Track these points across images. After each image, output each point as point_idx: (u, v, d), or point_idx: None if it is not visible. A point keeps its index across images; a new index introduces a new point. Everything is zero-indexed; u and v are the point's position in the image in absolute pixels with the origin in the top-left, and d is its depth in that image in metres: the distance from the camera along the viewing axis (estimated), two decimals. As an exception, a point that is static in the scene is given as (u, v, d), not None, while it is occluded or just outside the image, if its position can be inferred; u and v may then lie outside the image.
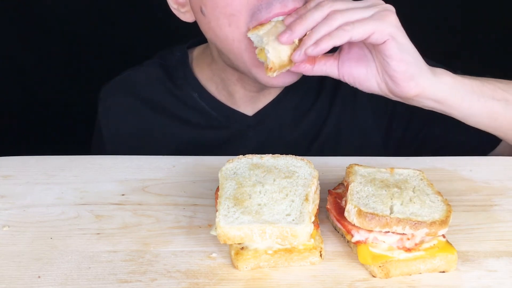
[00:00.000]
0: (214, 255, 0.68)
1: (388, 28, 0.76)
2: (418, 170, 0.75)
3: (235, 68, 0.95)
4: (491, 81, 0.88)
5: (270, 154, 0.77)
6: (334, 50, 0.82)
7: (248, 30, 0.84)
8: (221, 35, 0.89)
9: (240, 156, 0.77)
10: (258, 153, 0.77)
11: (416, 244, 0.65)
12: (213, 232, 0.67)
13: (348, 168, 0.75)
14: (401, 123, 1.08)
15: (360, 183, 0.71)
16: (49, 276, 0.64)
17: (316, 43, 0.76)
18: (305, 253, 0.65)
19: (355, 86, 0.86)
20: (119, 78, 1.15)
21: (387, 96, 0.86)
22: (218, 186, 0.72)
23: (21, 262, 0.67)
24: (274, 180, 0.71)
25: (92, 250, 0.69)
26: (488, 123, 0.88)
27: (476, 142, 1.00)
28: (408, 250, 0.65)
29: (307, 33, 0.78)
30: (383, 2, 0.80)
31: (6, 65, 1.77)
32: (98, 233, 0.72)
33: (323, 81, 1.09)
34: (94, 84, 1.18)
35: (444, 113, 0.87)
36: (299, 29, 0.78)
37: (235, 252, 0.65)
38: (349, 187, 0.70)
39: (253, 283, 0.63)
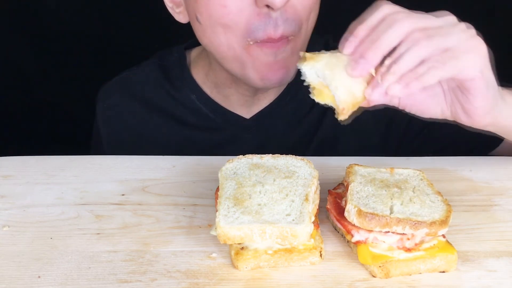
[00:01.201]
0: (214, 255, 0.68)
1: (480, 63, 0.66)
2: (418, 170, 0.75)
3: (230, 72, 0.95)
4: None
5: (270, 154, 0.77)
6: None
7: (247, 41, 0.83)
8: (216, 42, 0.89)
9: (240, 156, 0.77)
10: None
11: (416, 244, 0.65)
12: (213, 232, 0.67)
13: (348, 168, 0.75)
14: (401, 125, 1.07)
15: (360, 183, 0.71)
16: (49, 276, 0.64)
17: (407, 84, 0.64)
18: (305, 253, 0.65)
19: (413, 114, 0.76)
20: (117, 79, 1.15)
21: (444, 120, 0.77)
22: (218, 186, 0.72)
23: (21, 262, 0.67)
24: (274, 180, 0.71)
25: (92, 250, 0.69)
26: None
27: (476, 142, 1.00)
28: (408, 250, 0.65)
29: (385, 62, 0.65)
30: (455, 18, 0.69)
31: (6, 65, 1.77)
32: (98, 233, 0.72)
33: None
34: (94, 84, 1.18)
35: (502, 137, 0.82)
36: (374, 56, 0.64)
37: (235, 252, 0.65)
38: (349, 187, 0.70)
39: (253, 283, 0.63)
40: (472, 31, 0.68)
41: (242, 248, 0.65)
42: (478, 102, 0.70)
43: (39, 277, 0.64)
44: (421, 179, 0.73)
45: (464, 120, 0.74)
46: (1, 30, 1.74)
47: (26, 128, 1.88)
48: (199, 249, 0.69)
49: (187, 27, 0.96)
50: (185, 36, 1.06)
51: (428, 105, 0.75)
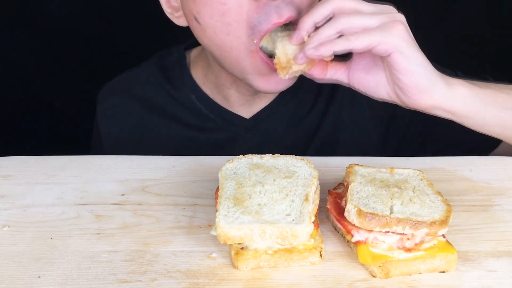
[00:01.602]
0: (214, 255, 0.68)
1: (394, 41, 0.73)
2: (418, 170, 0.75)
3: (230, 73, 0.95)
4: (504, 88, 0.87)
5: (270, 154, 0.77)
6: (342, 57, 0.81)
7: (251, 41, 0.84)
8: (217, 43, 0.88)
9: (240, 156, 0.77)
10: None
11: (416, 244, 0.65)
12: (213, 232, 0.67)
13: (348, 168, 0.75)
14: (401, 125, 1.07)
15: (360, 183, 0.71)
16: (49, 276, 0.64)
17: (317, 47, 0.75)
18: (305, 253, 0.65)
19: (365, 94, 0.84)
20: (116, 80, 1.15)
21: (398, 104, 0.83)
22: (218, 186, 0.72)
23: (21, 262, 0.67)
24: (274, 180, 0.71)
25: (92, 250, 0.69)
26: (500, 132, 0.87)
27: (476, 142, 1.00)
28: (408, 250, 0.65)
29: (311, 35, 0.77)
30: (394, 9, 0.78)
31: (6, 65, 1.77)
32: (98, 233, 0.72)
33: (321, 84, 1.09)
34: (95, 84, 1.18)
35: (456, 122, 0.85)
36: (305, 25, 0.77)
37: (235, 252, 0.65)
38: (349, 187, 0.70)
39: (253, 283, 0.63)
40: (397, 16, 0.76)
41: (242, 248, 0.65)
42: (405, 78, 0.76)
43: (39, 277, 0.64)
44: (421, 179, 0.73)
45: (405, 100, 0.80)
46: (1, 30, 1.74)
47: (26, 128, 1.88)
48: (199, 249, 0.69)
49: (186, 28, 0.96)
50: (185, 36, 1.07)
51: (373, 86, 0.82)
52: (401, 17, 0.77)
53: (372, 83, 0.82)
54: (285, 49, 0.79)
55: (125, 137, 1.10)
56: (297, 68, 0.79)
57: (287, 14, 0.83)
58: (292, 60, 0.79)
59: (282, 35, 0.81)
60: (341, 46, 0.74)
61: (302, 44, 0.77)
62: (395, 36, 0.74)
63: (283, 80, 0.87)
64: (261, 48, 0.85)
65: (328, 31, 0.75)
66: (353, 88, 0.84)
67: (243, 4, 0.82)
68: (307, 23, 0.77)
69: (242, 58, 0.87)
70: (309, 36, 0.77)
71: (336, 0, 0.76)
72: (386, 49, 0.74)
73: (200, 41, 0.93)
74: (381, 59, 0.80)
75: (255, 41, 0.84)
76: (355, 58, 0.82)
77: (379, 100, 0.84)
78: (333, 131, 1.07)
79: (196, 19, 0.88)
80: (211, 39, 0.89)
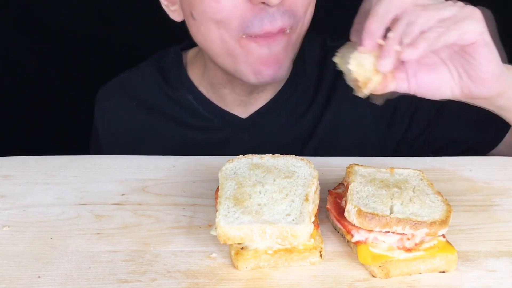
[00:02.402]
0: (214, 255, 0.68)
1: (479, 28, 0.69)
2: (418, 170, 0.75)
3: (224, 70, 0.95)
4: None
5: (270, 154, 0.77)
6: None
7: (241, 36, 0.85)
8: (209, 38, 0.89)
9: (240, 156, 0.77)
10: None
11: (416, 244, 0.65)
12: (213, 232, 0.67)
13: (348, 168, 0.75)
14: (401, 125, 1.07)
15: (360, 183, 0.71)
16: (49, 276, 0.64)
17: (415, 45, 0.67)
18: (305, 253, 0.65)
19: (425, 97, 0.78)
20: (114, 81, 1.16)
21: (457, 99, 0.79)
22: (218, 186, 0.72)
23: (21, 262, 0.67)
24: (274, 180, 0.71)
25: (92, 250, 0.69)
26: None
27: (476, 141, 1.00)
28: (408, 250, 0.65)
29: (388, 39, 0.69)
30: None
31: (6, 65, 1.77)
32: (98, 233, 0.72)
33: (319, 82, 1.09)
34: (94, 84, 1.18)
35: (500, 115, 0.84)
36: (375, 30, 0.69)
37: (235, 252, 0.65)
38: (349, 187, 0.70)
39: (253, 283, 0.63)
40: (463, 3, 0.71)
41: (242, 248, 0.65)
42: (484, 66, 0.72)
43: (39, 277, 0.64)
44: (421, 179, 0.73)
45: (475, 91, 0.75)
46: (1, 30, 1.74)
47: (26, 128, 1.88)
48: (199, 249, 0.69)
49: (184, 28, 0.97)
50: (181, 37, 1.07)
51: (437, 85, 0.76)
52: (466, 4, 0.72)
53: (435, 83, 0.77)
54: (359, 61, 0.71)
55: (123, 137, 1.10)
56: (376, 80, 0.72)
57: (280, 24, 0.84)
58: (373, 70, 0.71)
59: (352, 50, 0.73)
60: (437, 42, 0.68)
61: (375, 51, 0.71)
62: (478, 23, 0.70)
63: (274, 71, 0.88)
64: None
65: (417, 27, 0.68)
66: (413, 94, 0.78)
67: (238, 5, 0.83)
68: (376, 27, 0.69)
69: (232, 48, 0.88)
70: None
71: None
72: (473, 37, 0.69)
73: (194, 38, 0.94)
74: (448, 53, 0.75)
75: (244, 37, 0.85)
76: (412, 63, 0.76)
77: (438, 99, 0.79)
78: (331, 130, 1.07)
79: (192, 15, 0.88)
80: (203, 36, 0.90)
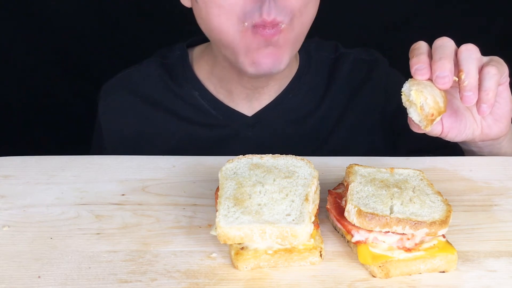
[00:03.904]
0: (214, 255, 0.68)
1: (506, 69, 0.77)
2: (418, 170, 0.75)
3: (229, 61, 0.96)
4: None
5: (270, 154, 0.77)
6: None
7: (242, 23, 0.86)
8: (212, 25, 0.90)
9: (240, 156, 0.77)
10: (257, 153, 0.77)
11: (416, 244, 0.65)
12: (213, 232, 0.67)
13: (348, 168, 0.75)
14: (401, 125, 1.07)
15: (360, 183, 0.71)
16: (49, 276, 0.64)
17: (490, 102, 0.74)
18: (305, 253, 0.65)
19: (449, 140, 0.84)
20: (119, 76, 1.15)
21: (473, 142, 0.86)
22: (218, 186, 0.72)
23: (21, 262, 0.67)
24: (274, 180, 0.71)
25: (92, 250, 0.69)
26: None
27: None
28: (408, 250, 0.65)
29: (464, 82, 0.74)
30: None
31: (6, 65, 1.77)
32: (98, 233, 0.72)
33: (328, 84, 1.09)
34: (95, 83, 1.18)
35: (490, 154, 0.91)
36: (450, 68, 0.73)
37: (235, 252, 0.65)
38: (349, 187, 0.70)
39: (253, 283, 0.63)
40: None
41: (242, 248, 0.65)
42: (505, 105, 0.81)
43: (39, 277, 0.64)
44: (421, 179, 0.73)
45: (495, 129, 0.83)
46: (1, 30, 1.74)
47: (26, 128, 1.88)
48: (199, 249, 0.69)
49: (189, 25, 0.97)
50: (187, 34, 1.07)
51: (463, 127, 0.83)
52: None
53: (462, 125, 0.83)
54: (434, 98, 0.73)
55: (127, 133, 1.10)
56: (440, 116, 0.75)
57: (274, 15, 0.86)
58: (443, 105, 0.74)
59: (423, 87, 0.75)
60: (498, 97, 0.79)
61: (447, 88, 0.75)
62: (503, 63, 0.78)
63: (271, 63, 0.90)
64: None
65: (492, 83, 0.74)
66: (443, 138, 0.84)
67: None
68: (448, 66, 0.74)
69: (232, 39, 0.89)
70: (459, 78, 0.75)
71: (449, 40, 0.77)
72: (506, 79, 0.78)
73: (199, 25, 0.96)
74: None
75: (246, 24, 0.87)
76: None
77: (458, 141, 0.86)
78: (334, 131, 1.08)
79: (196, 0, 0.90)
80: (205, 21, 0.91)
